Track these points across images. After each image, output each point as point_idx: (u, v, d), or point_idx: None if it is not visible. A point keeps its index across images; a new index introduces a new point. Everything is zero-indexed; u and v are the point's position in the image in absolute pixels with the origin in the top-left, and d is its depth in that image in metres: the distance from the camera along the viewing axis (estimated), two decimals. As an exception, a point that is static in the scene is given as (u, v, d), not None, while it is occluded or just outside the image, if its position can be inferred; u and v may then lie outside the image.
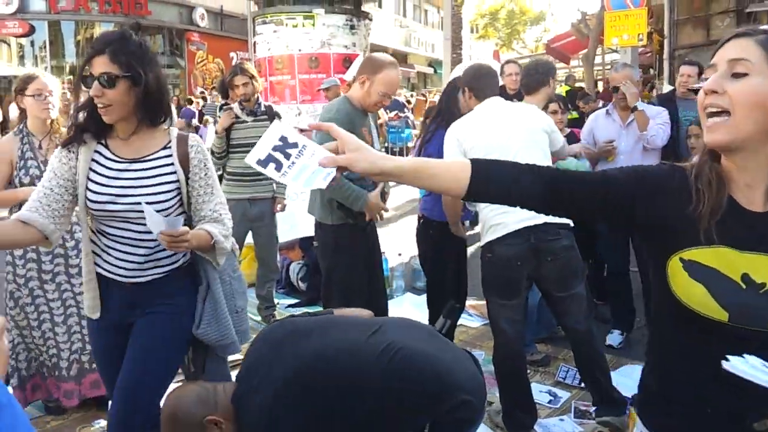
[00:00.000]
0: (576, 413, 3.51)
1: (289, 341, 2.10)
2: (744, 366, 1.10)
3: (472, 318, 4.80)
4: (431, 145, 3.92)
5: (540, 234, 3.01)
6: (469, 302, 4.95)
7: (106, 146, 2.24)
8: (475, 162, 1.33)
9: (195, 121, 13.12)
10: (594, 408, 3.27)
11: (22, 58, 22.82)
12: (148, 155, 2.24)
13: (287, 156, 1.29)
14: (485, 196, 1.37)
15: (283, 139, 1.30)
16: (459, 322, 4.41)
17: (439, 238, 3.86)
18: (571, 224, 3.11)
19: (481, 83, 3.39)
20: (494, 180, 1.33)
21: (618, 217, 1.35)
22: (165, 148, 2.25)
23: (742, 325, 1.21)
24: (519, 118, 3.25)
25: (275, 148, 1.30)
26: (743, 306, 1.21)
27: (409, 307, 4.92)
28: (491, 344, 4.26)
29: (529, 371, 4.03)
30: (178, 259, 2.34)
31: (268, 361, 2.03)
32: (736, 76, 1.20)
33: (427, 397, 1.97)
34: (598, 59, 17.06)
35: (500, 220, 3.05)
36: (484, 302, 4.92)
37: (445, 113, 3.93)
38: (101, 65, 2.08)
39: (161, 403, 2.17)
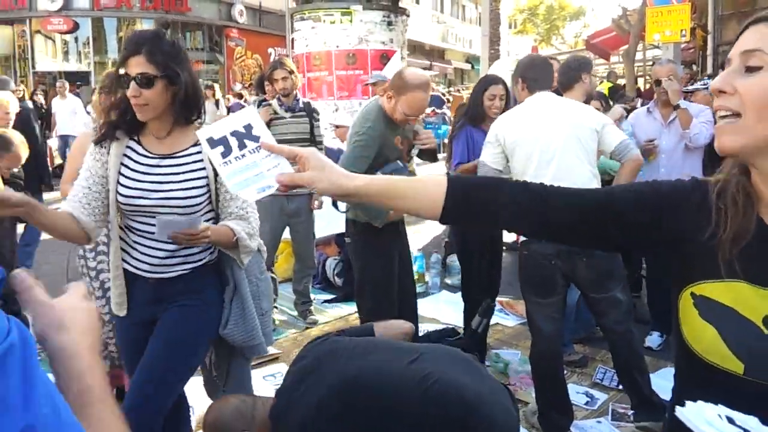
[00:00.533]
0: (613, 416, 3.46)
1: (331, 361, 2.10)
2: (696, 418, 0.91)
3: (509, 317, 4.76)
4: (456, 143, 3.92)
5: None
6: (506, 300, 4.92)
7: (139, 142, 2.25)
8: (452, 179, 1.15)
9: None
10: (632, 411, 3.22)
11: (66, 54, 23.32)
12: (179, 151, 2.23)
13: (241, 146, 1.17)
14: (465, 217, 1.19)
15: (248, 127, 1.19)
16: (495, 321, 4.40)
17: (468, 235, 3.86)
18: None
19: (534, 74, 3.28)
20: (475, 199, 1.15)
21: (632, 237, 1.13)
22: (196, 144, 2.23)
23: (760, 379, 0.98)
24: (565, 114, 3.13)
25: (234, 133, 1.18)
26: (764, 356, 0.98)
27: (443, 305, 4.91)
28: (527, 343, 4.24)
29: (566, 372, 3.99)
30: (204, 256, 2.32)
31: (310, 379, 2.03)
32: (750, 70, 0.99)
33: (460, 428, 1.97)
34: (638, 55, 16.77)
35: None
36: (521, 301, 4.93)
37: (471, 110, 3.91)
38: (138, 65, 2.08)
39: (204, 410, 2.20)
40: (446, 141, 14.77)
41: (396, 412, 1.96)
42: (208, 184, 2.24)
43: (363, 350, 2.12)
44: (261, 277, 2.47)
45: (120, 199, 2.19)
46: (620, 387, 3.54)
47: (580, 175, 3.01)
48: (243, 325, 2.36)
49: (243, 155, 1.17)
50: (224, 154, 1.17)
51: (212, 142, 1.17)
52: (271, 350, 4.17)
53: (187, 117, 2.22)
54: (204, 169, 2.22)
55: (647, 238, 1.12)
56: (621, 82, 14.43)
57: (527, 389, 3.57)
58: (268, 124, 4.58)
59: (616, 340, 3.13)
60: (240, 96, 13.89)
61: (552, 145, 3.01)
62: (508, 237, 6.41)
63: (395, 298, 3.43)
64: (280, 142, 4.07)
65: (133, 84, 2.07)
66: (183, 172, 2.21)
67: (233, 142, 1.17)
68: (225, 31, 25.26)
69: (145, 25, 23.45)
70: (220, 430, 2.04)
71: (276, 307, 4.82)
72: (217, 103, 14.51)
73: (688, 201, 1.08)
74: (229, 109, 13.25)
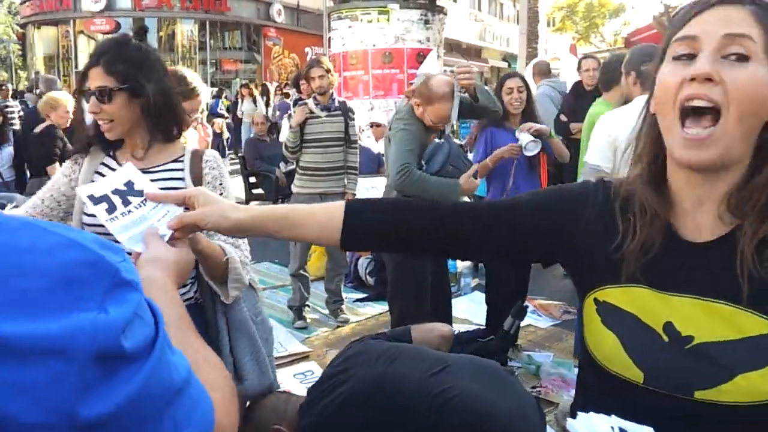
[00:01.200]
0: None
1: (358, 363, 2.12)
2: (586, 430, 0.84)
3: (541, 318, 4.71)
4: (478, 144, 3.89)
5: None
6: (539, 302, 4.88)
7: (114, 157, 2.00)
8: (349, 204, 1.10)
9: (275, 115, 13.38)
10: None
11: (108, 53, 23.84)
12: (156, 165, 1.96)
13: (126, 202, 1.12)
14: (366, 243, 1.14)
15: (129, 184, 1.15)
16: (528, 323, 4.36)
17: None
18: None
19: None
20: (371, 223, 1.09)
21: (532, 249, 1.08)
22: (177, 160, 1.98)
23: (659, 388, 0.93)
24: None
25: (116, 191, 1.13)
26: (663, 365, 0.92)
27: (475, 305, 4.87)
28: (560, 345, 4.21)
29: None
30: (184, 292, 1.96)
31: (336, 379, 2.06)
32: (739, 59, 0.85)
33: None
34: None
35: None
36: (554, 302, 4.89)
37: None
38: (97, 78, 1.86)
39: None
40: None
41: (406, 423, 1.95)
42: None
43: (389, 357, 2.12)
44: (257, 319, 2.15)
45: (85, 220, 1.92)
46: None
47: None
48: (259, 373, 2.04)
49: (129, 211, 1.12)
50: (109, 211, 1.12)
51: (94, 199, 1.13)
52: (302, 348, 4.20)
53: (165, 132, 1.95)
54: (183, 188, 1.91)
55: (540, 246, 1.08)
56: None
57: (558, 391, 3.52)
58: (304, 123, 4.62)
59: None
60: (286, 95, 14.00)
61: None
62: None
63: (428, 299, 3.41)
64: (315, 140, 4.10)
65: (92, 99, 1.87)
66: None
67: (116, 200, 1.13)
68: (263, 30, 25.52)
69: (185, 26, 23.83)
70: (254, 424, 2.08)
71: (308, 306, 4.84)
72: (254, 100, 14.69)
73: (592, 207, 1.03)
74: (275, 107, 13.34)
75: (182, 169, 1.97)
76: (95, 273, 0.55)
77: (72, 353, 0.51)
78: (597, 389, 1.02)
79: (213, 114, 14.36)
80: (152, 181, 1.87)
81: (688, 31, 0.89)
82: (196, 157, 2.01)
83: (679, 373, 0.91)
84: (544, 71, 7.80)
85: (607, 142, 3.03)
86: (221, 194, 1.92)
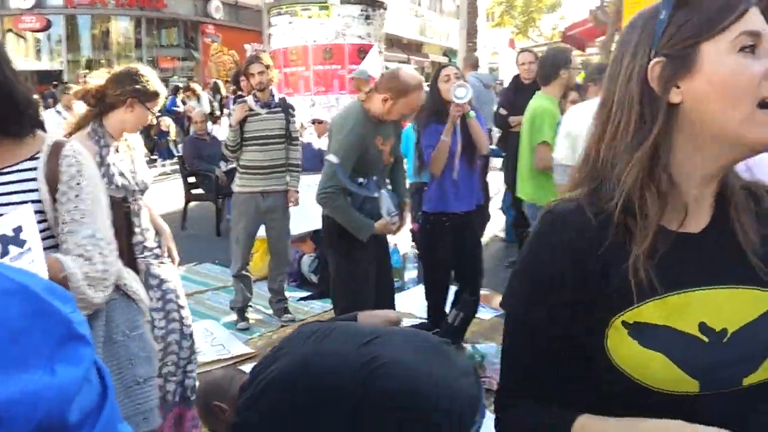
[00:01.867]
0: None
1: (293, 343, 2.12)
2: None
3: (485, 309, 4.75)
4: (426, 137, 3.81)
5: None
6: (482, 293, 4.91)
7: None
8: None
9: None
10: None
11: (38, 52, 23.00)
12: (6, 167, 1.67)
13: (4, 252, 1.04)
14: None
15: (17, 230, 1.08)
16: (471, 314, 4.39)
17: (433, 229, 3.84)
18: None
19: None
20: None
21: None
22: (30, 159, 1.69)
23: (715, 390, 0.92)
24: None
25: (2, 238, 1.06)
26: (713, 366, 0.92)
27: (420, 300, 4.88)
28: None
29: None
30: None
31: (270, 358, 2.06)
32: None
33: (406, 411, 1.93)
34: (614, 46, 16.84)
35: None
36: (497, 294, 4.93)
37: (431, 105, 3.81)
38: None
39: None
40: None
41: (335, 395, 1.94)
42: (42, 210, 1.66)
43: (321, 333, 2.12)
44: (132, 334, 1.94)
45: None
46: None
47: None
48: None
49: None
50: None
51: None
52: (246, 349, 4.14)
53: (10, 129, 1.65)
54: (36, 190, 1.66)
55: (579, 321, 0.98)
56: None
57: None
58: (244, 121, 4.54)
59: None
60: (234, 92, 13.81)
61: None
62: (495, 229, 6.44)
63: (371, 295, 3.40)
64: (255, 138, 4.07)
65: None
66: (6, 193, 1.63)
67: None
68: (201, 27, 25.04)
69: (120, 23, 23.20)
70: (201, 400, 2.16)
71: (251, 306, 4.78)
72: (198, 99, 14.42)
73: (581, 247, 0.95)
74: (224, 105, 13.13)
75: (36, 168, 1.68)
76: (44, 325, 0.47)
77: (9, 423, 0.43)
78: (637, 406, 0.95)
79: (168, 111, 14.06)
80: (1, 184, 1.62)
81: (756, 26, 0.90)
82: (55, 152, 1.70)
83: (727, 368, 0.92)
84: (472, 64, 8.24)
85: (567, 136, 3.14)
86: (77, 195, 1.69)
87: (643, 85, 0.94)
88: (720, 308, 0.93)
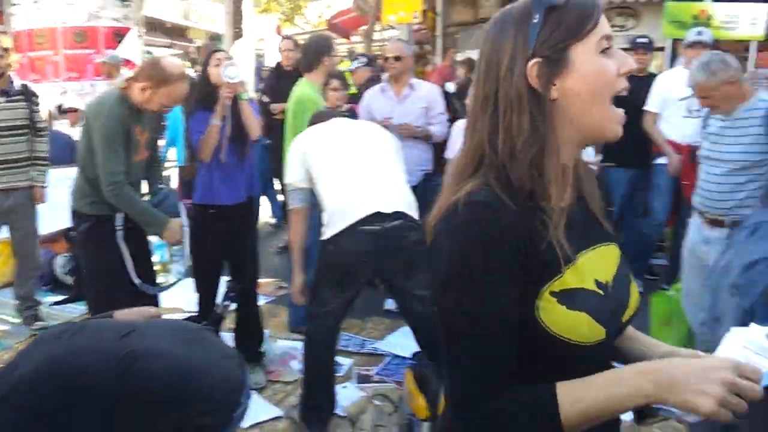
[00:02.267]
0: (358, 379, 3.63)
1: (38, 345, 1.93)
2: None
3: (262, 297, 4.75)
4: (193, 122, 3.64)
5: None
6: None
7: None
8: None
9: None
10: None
11: None
12: None
13: None
14: None
15: None
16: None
17: (201, 221, 3.64)
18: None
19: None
20: None
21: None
22: None
23: (613, 333, 1.10)
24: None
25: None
26: (610, 314, 1.08)
27: (188, 293, 4.73)
28: (276, 321, 4.30)
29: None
30: None
31: (13, 365, 1.85)
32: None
33: (169, 402, 1.89)
34: (377, 36, 17.59)
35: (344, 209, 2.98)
36: (267, 280, 4.94)
37: (199, 91, 3.60)
38: None
39: None
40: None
41: (89, 395, 1.82)
42: None
43: (72, 332, 1.96)
44: None
45: None
46: (361, 351, 3.74)
47: None
48: None
49: None
50: None
51: None
52: (-10, 365, 3.71)
53: None
54: None
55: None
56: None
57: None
58: (-24, 110, 4.04)
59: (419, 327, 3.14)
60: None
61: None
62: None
63: (124, 292, 3.21)
64: (-6, 129, 3.49)
65: None
66: None
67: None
68: None
69: None
70: None
71: (-6, 317, 4.30)
72: None
73: (511, 231, 1.03)
74: None
75: None
76: None
77: None
78: (566, 362, 1.05)
79: None
80: None
81: (608, 31, 1.05)
82: None
83: (616, 313, 1.11)
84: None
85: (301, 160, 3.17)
86: None
87: (527, 83, 1.04)
88: (600, 265, 1.11)
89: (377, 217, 2.91)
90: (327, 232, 2.99)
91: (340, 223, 2.94)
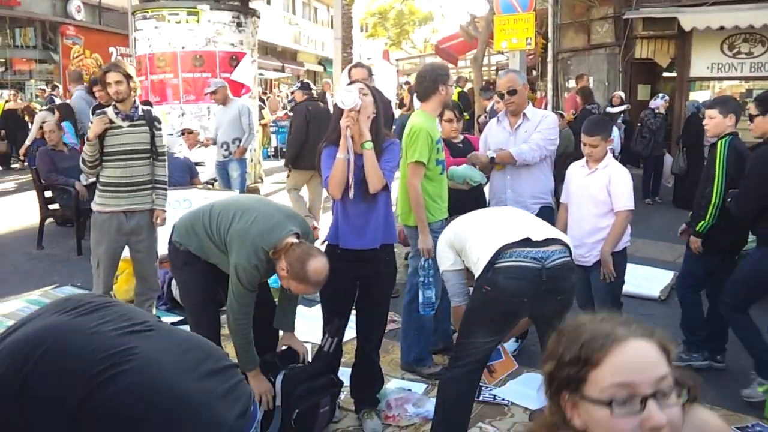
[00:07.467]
0: None
1: (47, 311, 1.81)
2: None
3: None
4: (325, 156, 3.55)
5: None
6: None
7: None
8: None
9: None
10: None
11: None
12: None
13: None
14: None
15: None
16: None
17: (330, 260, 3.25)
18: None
19: None
20: None
21: None
22: None
23: None
24: None
25: None
26: None
27: (298, 319, 4.68)
28: (388, 358, 4.16)
29: (427, 384, 3.93)
30: None
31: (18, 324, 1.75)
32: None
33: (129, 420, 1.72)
34: (484, 60, 17.43)
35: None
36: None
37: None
38: None
39: None
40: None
41: (65, 380, 1.66)
42: None
43: (85, 310, 1.80)
44: None
45: None
46: (478, 399, 3.57)
47: None
48: None
49: None
50: None
51: None
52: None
53: None
54: None
55: None
56: (470, 86, 14.89)
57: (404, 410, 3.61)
58: (104, 135, 4.18)
59: None
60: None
61: None
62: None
63: (213, 322, 3.44)
64: (117, 153, 3.78)
65: None
66: None
67: None
68: (60, 28, 23.45)
69: (-34, 20, 21.34)
70: None
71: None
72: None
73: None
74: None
75: None
76: None
77: None
78: None
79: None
80: None
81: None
82: None
83: None
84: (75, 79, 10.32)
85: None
86: None
87: None
88: None
89: (527, 242, 2.84)
90: (479, 268, 2.91)
91: (489, 251, 2.86)
